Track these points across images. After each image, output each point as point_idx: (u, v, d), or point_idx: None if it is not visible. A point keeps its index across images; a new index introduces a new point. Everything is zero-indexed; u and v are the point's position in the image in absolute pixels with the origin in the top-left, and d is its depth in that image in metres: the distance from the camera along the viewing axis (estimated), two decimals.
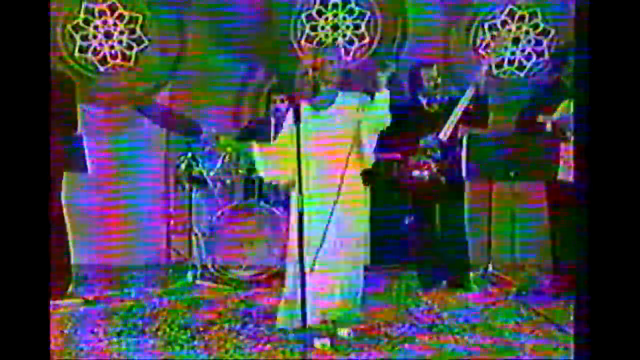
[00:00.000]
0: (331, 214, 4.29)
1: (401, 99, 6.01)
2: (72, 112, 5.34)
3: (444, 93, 5.82)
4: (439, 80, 5.78)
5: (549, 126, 5.40)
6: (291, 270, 4.44)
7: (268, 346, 4.40)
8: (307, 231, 3.93)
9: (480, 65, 5.75)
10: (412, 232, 6.10)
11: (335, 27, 7.00)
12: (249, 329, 4.74)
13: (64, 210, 5.39)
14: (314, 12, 7.00)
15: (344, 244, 4.41)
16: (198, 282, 5.95)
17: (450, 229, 5.86)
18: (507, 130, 5.98)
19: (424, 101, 5.81)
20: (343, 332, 4.51)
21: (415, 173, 5.75)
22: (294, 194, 4.46)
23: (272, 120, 6.07)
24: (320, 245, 4.29)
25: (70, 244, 5.49)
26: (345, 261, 4.43)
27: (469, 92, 5.62)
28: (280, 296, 4.63)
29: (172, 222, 6.30)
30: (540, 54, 6.99)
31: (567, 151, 5.31)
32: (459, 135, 5.72)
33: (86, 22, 6.83)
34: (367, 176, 4.56)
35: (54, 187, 5.21)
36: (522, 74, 7.00)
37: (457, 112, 5.63)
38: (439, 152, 5.71)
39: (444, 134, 5.65)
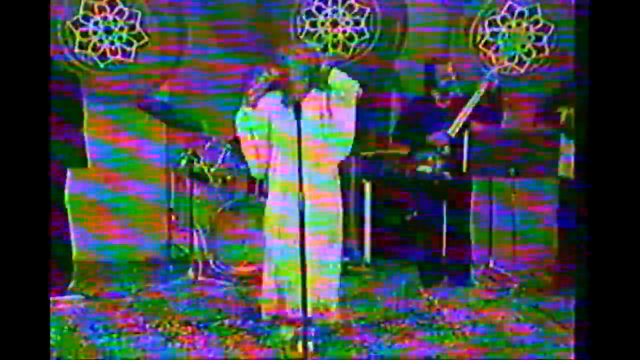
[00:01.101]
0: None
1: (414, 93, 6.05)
2: (78, 110, 5.34)
3: (457, 89, 5.80)
4: (454, 77, 5.78)
5: (563, 118, 5.39)
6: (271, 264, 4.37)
7: (268, 342, 4.40)
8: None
9: (494, 63, 5.74)
10: (416, 227, 6.10)
11: (334, 24, 7.00)
12: (249, 325, 4.74)
13: (68, 207, 5.41)
14: (313, 9, 6.99)
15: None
16: (199, 278, 5.95)
17: (455, 225, 5.85)
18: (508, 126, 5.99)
19: (437, 96, 5.81)
20: (287, 332, 4.37)
21: (421, 168, 5.75)
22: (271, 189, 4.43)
23: None
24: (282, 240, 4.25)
25: (73, 240, 5.50)
26: (311, 260, 4.12)
27: (481, 90, 5.62)
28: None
29: (173, 218, 6.29)
30: (540, 50, 6.98)
31: (567, 148, 5.31)
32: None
33: (86, 18, 6.82)
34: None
35: (57, 183, 5.22)
36: (522, 70, 6.99)
37: (468, 108, 5.62)
38: (446, 148, 5.70)
39: (452, 130, 5.64)
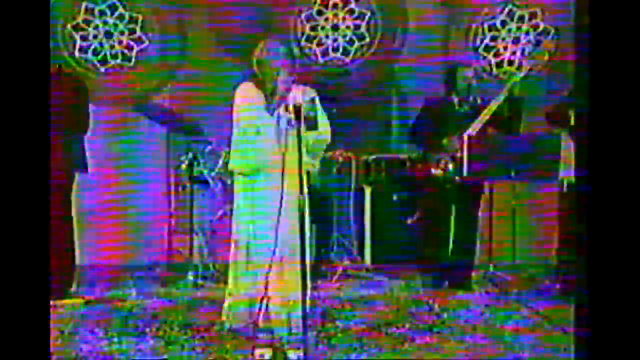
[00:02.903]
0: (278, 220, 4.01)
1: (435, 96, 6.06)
2: (84, 113, 5.36)
3: (478, 95, 5.80)
4: (474, 81, 5.78)
5: (572, 119, 5.38)
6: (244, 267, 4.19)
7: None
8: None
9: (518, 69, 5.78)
10: (421, 230, 6.10)
11: (335, 27, 7.01)
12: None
13: (74, 211, 5.42)
14: (314, 12, 7.00)
15: (285, 248, 4.07)
16: (199, 282, 5.95)
17: (462, 229, 5.86)
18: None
19: (455, 100, 5.81)
20: (292, 354, 4.19)
21: (434, 171, 5.76)
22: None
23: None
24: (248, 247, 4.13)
25: (77, 244, 5.51)
26: (289, 269, 4.06)
27: (501, 96, 5.62)
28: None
29: (173, 222, 6.29)
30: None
31: (568, 150, 5.32)
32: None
33: (86, 22, 6.83)
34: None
35: (63, 188, 5.24)
36: (521, 73, 6.97)
37: (485, 114, 5.62)
38: (460, 152, 5.69)
39: (468, 135, 5.64)
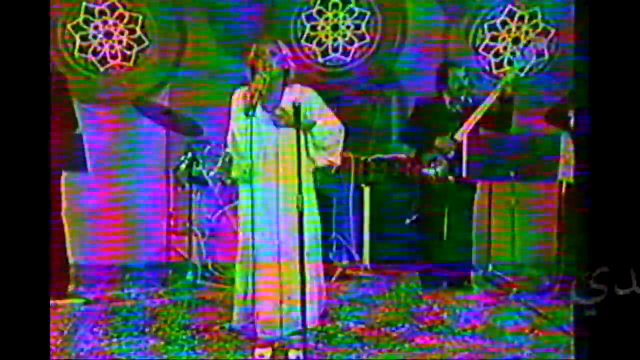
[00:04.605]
0: (277, 217, 4.09)
1: (426, 96, 6.07)
2: (68, 109, 5.33)
3: (469, 94, 5.81)
4: (465, 81, 5.78)
5: (572, 121, 5.38)
6: (244, 267, 4.21)
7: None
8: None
9: (509, 69, 5.79)
10: (418, 231, 6.11)
11: (335, 27, 7.01)
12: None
13: (63, 210, 5.39)
14: (314, 12, 7.00)
15: (283, 248, 4.10)
16: (198, 282, 5.95)
17: (457, 229, 5.86)
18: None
19: (447, 100, 5.81)
20: (292, 354, 4.20)
21: (426, 171, 5.77)
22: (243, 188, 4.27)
23: None
24: (256, 247, 4.11)
25: (68, 243, 5.48)
26: (286, 269, 4.08)
27: (493, 95, 5.63)
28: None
29: (172, 222, 6.29)
30: (540, 54, 6.98)
31: (567, 150, 5.32)
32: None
33: (86, 22, 6.83)
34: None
35: (53, 186, 5.22)
36: (521, 74, 6.98)
37: (478, 113, 5.63)
38: (453, 152, 5.70)
39: (460, 135, 5.65)
